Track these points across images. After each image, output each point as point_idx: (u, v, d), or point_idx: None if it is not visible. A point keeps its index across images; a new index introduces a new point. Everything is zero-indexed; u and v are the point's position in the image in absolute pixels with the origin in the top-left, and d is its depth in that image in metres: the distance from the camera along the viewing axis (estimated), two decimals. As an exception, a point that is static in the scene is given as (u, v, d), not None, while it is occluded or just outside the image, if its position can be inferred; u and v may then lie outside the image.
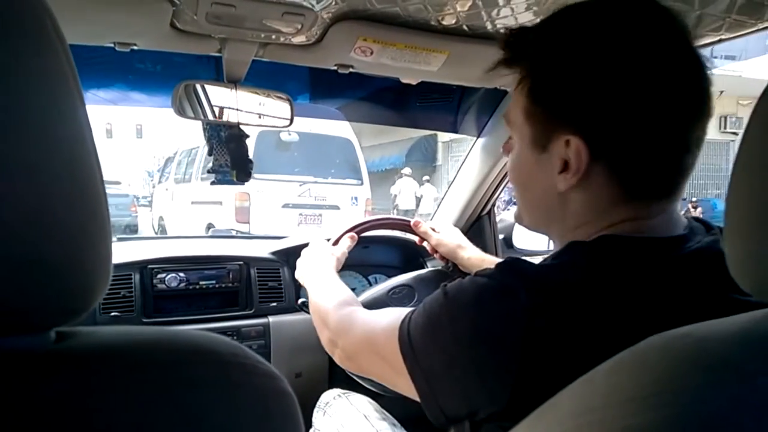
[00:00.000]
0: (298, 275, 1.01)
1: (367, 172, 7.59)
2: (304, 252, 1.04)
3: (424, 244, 1.26)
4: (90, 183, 0.30)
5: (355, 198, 7.07)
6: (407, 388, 0.58)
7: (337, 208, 6.84)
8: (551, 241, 0.67)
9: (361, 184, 7.18)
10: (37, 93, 0.28)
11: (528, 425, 0.43)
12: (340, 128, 6.86)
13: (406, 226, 1.27)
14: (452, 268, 1.23)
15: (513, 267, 0.54)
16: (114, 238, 1.87)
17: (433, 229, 1.22)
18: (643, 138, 0.53)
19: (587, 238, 0.57)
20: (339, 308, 0.78)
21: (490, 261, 1.10)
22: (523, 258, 0.57)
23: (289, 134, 6.40)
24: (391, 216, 1.34)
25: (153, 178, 10.74)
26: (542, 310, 0.50)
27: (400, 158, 14.07)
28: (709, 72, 0.55)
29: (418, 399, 0.58)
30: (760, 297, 0.37)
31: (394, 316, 0.63)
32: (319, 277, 0.92)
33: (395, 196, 10.89)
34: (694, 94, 0.54)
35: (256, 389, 0.33)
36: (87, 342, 0.30)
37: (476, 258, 1.14)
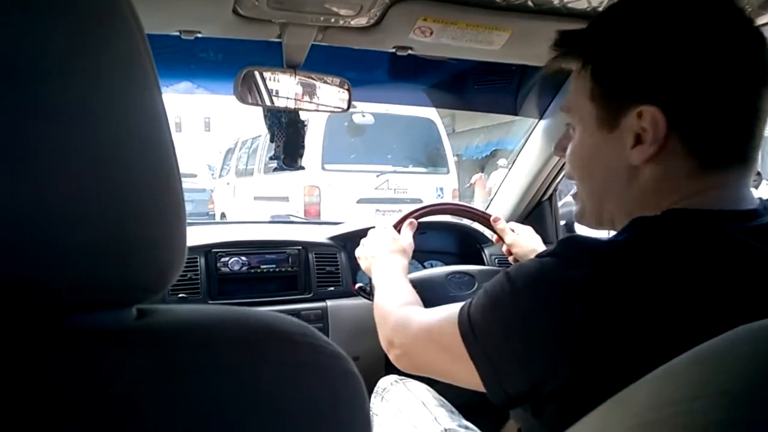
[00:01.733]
0: (361, 259, 1.00)
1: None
2: (370, 236, 1.02)
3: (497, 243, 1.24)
4: (167, 168, 0.30)
5: (441, 189, 5.99)
6: (467, 375, 0.57)
7: (419, 201, 5.13)
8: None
9: (447, 172, 6.13)
10: (116, 80, 0.28)
11: (599, 416, 0.40)
12: (421, 108, 5.55)
13: (484, 220, 1.24)
14: None
15: (576, 240, 0.55)
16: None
17: (512, 230, 1.19)
18: (715, 104, 0.54)
19: (654, 212, 0.56)
20: (400, 308, 0.78)
21: None
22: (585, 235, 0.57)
23: (363, 116, 5.53)
24: (469, 205, 1.29)
25: (214, 171, 9.87)
26: (606, 281, 0.49)
27: (513, 142, 12.45)
28: None
29: (478, 387, 0.57)
30: None
31: (453, 307, 0.63)
32: (388, 275, 0.90)
33: (490, 189, 9.18)
34: (755, 60, 0.55)
35: (324, 369, 0.33)
36: (164, 320, 0.31)
37: None
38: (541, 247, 1.14)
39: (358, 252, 1.02)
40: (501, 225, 1.19)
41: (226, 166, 8.20)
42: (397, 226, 1.07)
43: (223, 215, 7.84)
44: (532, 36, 1.03)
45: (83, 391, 0.26)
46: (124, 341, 0.29)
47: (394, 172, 5.74)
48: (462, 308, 0.60)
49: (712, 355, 0.35)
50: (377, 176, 5.66)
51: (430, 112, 6.04)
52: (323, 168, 5.42)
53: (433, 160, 6.03)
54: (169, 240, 0.30)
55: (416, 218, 1.12)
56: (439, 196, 6.00)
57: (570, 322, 0.50)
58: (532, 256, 1.08)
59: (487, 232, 1.48)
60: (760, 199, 0.59)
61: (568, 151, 0.65)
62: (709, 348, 0.35)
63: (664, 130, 0.54)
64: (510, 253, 1.18)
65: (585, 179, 0.64)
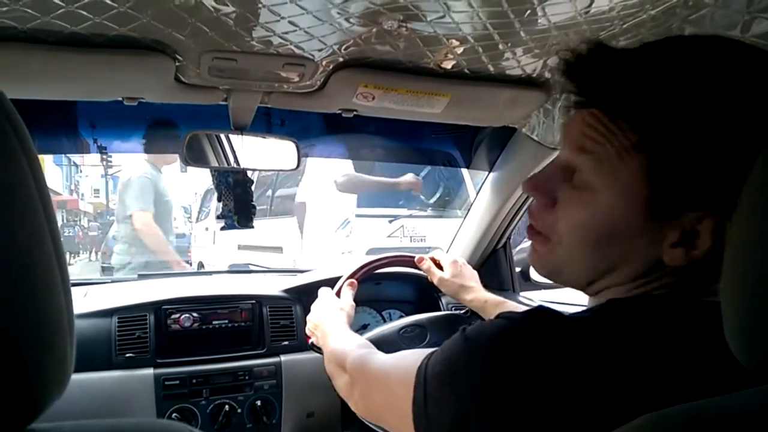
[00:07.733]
0: (312, 335, 1.04)
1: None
2: (313, 308, 1.06)
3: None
4: (45, 288, 0.29)
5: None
6: None
7: (440, 249, 3.74)
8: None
9: None
10: None
11: None
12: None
13: (410, 263, 1.25)
14: (469, 314, 1.21)
15: (542, 314, 0.50)
16: (134, 275, 1.87)
17: (440, 267, 1.20)
18: None
19: (626, 293, 0.53)
20: (356, 350, 0.77)
21: (512, 305, 1.07)
22: (554, 307, 0.52)
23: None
24: (397, 254, 1.29)
25: (190, 214, 9.22)
26: (569, 365, 0.46)
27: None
28: None
29: None
30: (755, 370, 0.36)
31: (411, 361, 0.58)
32: (333, 330, 0.93)
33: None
34: None
35: None
36: None
37: (492, 300, 1.11)
38: (469, 282, 1.15)
39: (307, 330, 1.06)
40: (425, 265, 1.21)
41: (204, 208, 7.20)
42: (338, 292, 1.09)
43: (201, 265, 6.85)
44: (472, 100, 1.07)
45: None
46: None
47: (410, 216, 4.62)
48: (419, 370, 0.55)
49: None
50: (390, 222, 4.55)
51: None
52: None
53: (455, 199, 4.95)
54: (40, 370, 0.29)
55: (356, 279, 1.15)
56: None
57: (526, 406, 0.46)
58: (461, 293, 1.13)
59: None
60: None
61: (578, 211, 0.53)
62: None
63: (713, 242, 0.47)
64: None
65: (593, 250, 0.53)
